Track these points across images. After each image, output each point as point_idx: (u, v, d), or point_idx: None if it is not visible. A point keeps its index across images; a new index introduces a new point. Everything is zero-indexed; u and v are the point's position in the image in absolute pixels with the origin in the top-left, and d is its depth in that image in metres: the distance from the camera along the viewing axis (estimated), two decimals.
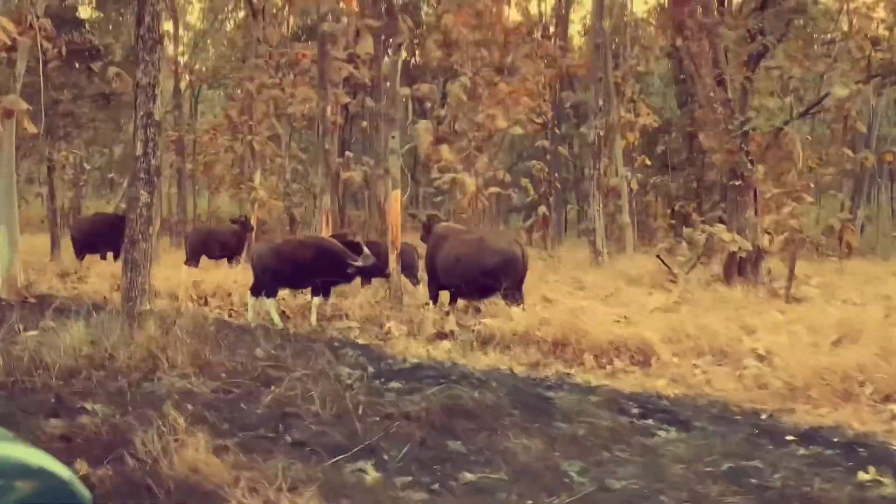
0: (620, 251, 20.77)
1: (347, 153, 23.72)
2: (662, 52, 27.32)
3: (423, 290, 12.20)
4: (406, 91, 13.18)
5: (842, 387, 6.57)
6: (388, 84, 12.43)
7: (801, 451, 5.35)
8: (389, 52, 12.53)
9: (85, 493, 1.73)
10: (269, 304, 11.03)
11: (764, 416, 6.33)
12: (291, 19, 28.77)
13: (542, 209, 23.67)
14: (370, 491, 4.52)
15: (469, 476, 4.82)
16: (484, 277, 9.92)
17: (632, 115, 22.65)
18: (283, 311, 11.39)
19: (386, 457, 5.08)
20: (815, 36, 19.51)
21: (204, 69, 33.26)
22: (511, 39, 21.69)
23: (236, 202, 31.36)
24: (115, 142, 28.01)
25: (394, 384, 6.99)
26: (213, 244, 16.85)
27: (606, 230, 20.02)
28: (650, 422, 6.02)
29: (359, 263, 10.78)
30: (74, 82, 20.61)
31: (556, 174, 26.70)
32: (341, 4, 17.24)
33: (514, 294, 9.88)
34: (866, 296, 12.44)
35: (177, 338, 7.33)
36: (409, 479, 4.76)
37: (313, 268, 10.76)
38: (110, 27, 24.42)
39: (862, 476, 4.73)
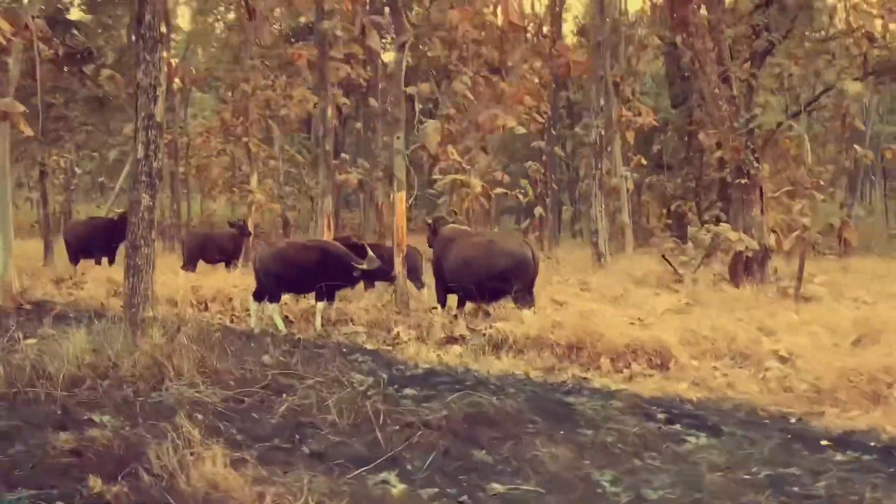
0: (619, 251, 20.65)
1: (343, 155, 23.52)
2: (657, 52, 27.23)
3: (427, 293, 12.00)
4: (413, 90, 12.92)
5: (869, 389, 6.42)
6: (392, 84, 12.19)
7: (839, 456, 5.21)
8: (394, 49, 12.29)
9: None
10: (272, 309, 10.78)
11: (793, 420, 6.18)
12: (282, 21, 28.57)
13: (539, 210, 23.49)
14: None
15: (498, 487, 4.65)
16: (494, 280, 9.71)
17: (631, 113, 22.52)
18: (287, 316, 11.15)
19: (410, 467, 4.91)
20: (807, 34, 19.41)
21: (194, 71, 32.94)
22: (509, 38, 21.47)
23: (230, 205, 31.08)
24: (106, 146, 27.67)
25: (408, 391, 6.83)
26: (210, 248, 16.55)
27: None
28: (678, 427, 5.85)
29: (364, 267, 10.49)
30: (66, 86, 20.30)
31: (552, 175, 26.56)
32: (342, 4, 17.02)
33: (524, 297, 9.68)
34: (874, 294, 12.37)
35: (182, 345, 7.09)
36: (436, 490, 4.59)
37: (318, 272, 10.47)
38: (100, 30, 24.11)
39: None
